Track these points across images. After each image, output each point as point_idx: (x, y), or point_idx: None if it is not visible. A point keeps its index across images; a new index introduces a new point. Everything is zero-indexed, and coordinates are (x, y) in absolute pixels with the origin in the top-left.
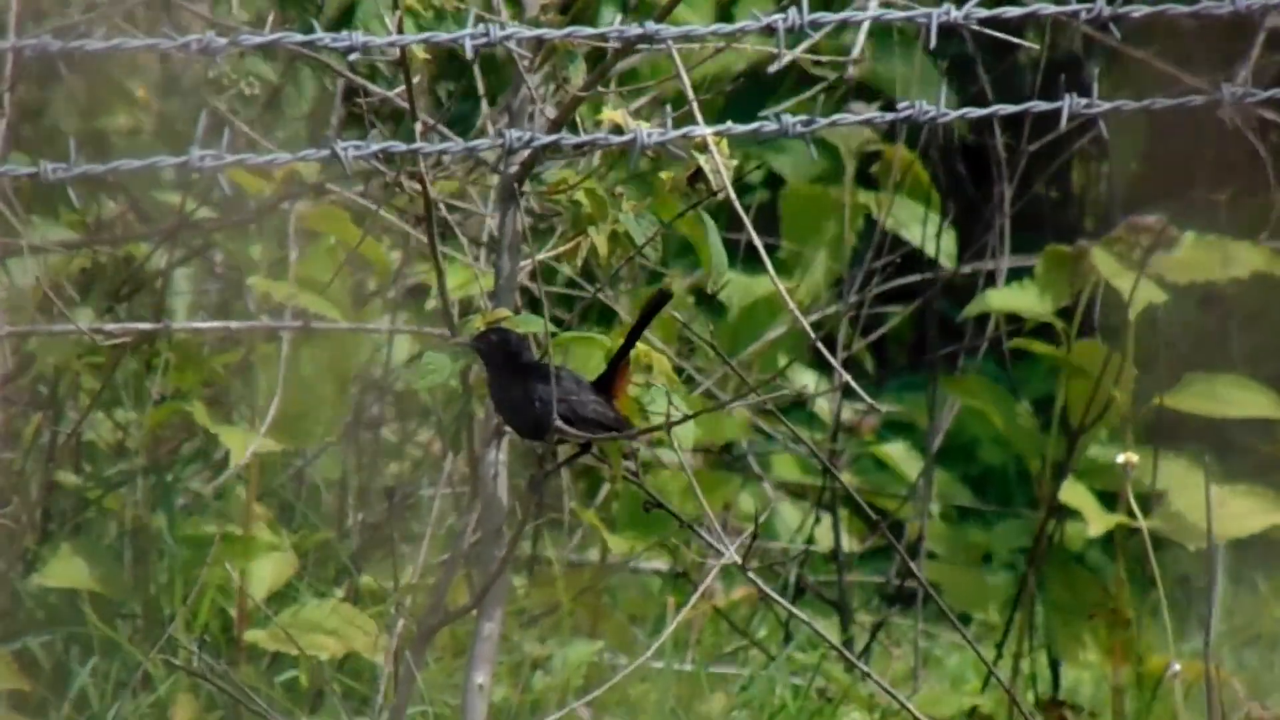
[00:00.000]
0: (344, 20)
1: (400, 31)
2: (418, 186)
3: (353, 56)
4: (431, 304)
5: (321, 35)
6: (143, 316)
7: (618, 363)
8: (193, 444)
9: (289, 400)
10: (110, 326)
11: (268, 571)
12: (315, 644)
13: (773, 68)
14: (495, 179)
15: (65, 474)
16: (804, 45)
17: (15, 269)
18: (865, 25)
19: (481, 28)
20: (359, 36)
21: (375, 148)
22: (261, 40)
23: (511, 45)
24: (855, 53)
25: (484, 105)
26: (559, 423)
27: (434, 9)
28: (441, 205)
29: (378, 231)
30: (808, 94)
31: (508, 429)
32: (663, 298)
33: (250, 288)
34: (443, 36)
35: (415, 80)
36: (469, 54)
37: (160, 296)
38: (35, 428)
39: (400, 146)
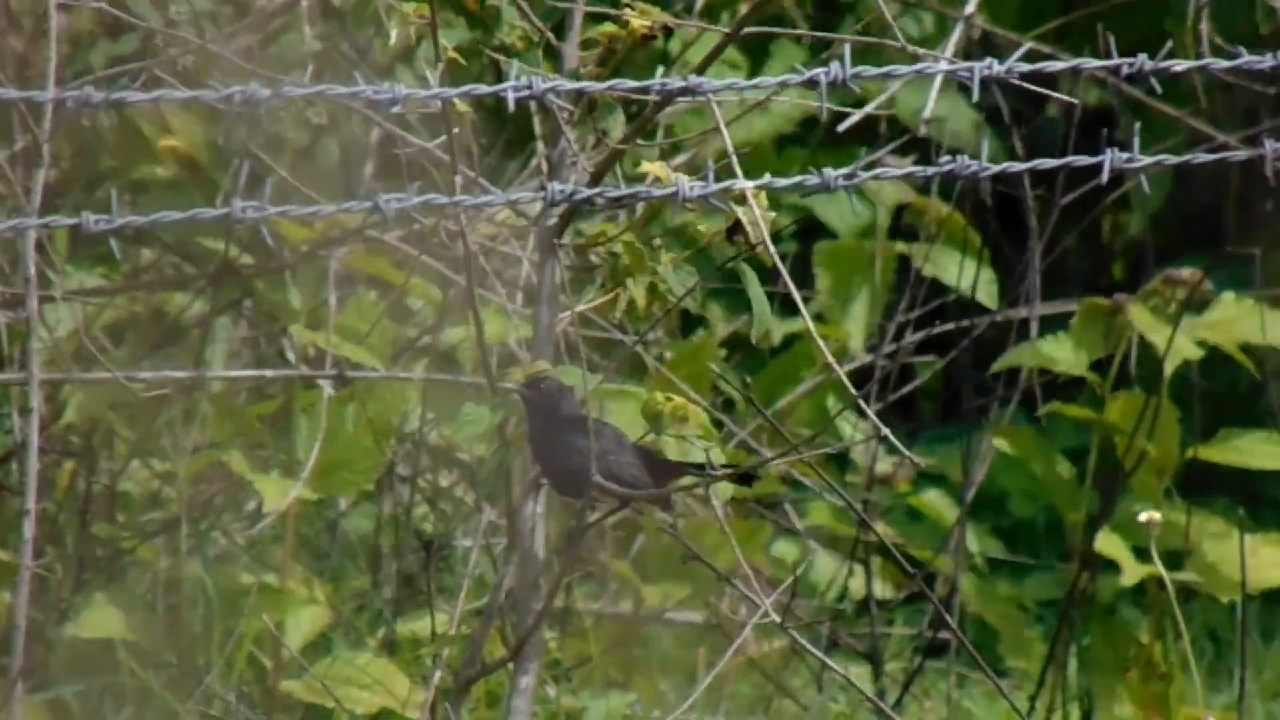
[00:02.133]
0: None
1: (443, 84)
2: (455, 234)
3: (396, 109)
4: (468, 352)
5: (364, 88)
6: (180, 367)
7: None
8: (228, 494)
9: (326, 450)
10: (146, 375)
11: (303, 622)
12: (351, 697)
13: (843, 125)
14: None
15: (100, 524)
16: (874, 103)
17: (50, 317)
18: (937, 82)
19: (524, 80)
20: (401, 89)
21: (417, 200)
22: (304, 91)
23: (551, 98)
24: (927, 112)
25: (538, 152)
26: (598, 478)
27: (478, 55)
28: (480, 256)
29: (418, 276)
30: (869, 155)
31: (544, 481)
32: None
33: (290, 336)
34: (485, 89)
35: (455, 131)
36: (510, 106)
37: (199, 345)
38: (70, 477)
39: (442, 199)
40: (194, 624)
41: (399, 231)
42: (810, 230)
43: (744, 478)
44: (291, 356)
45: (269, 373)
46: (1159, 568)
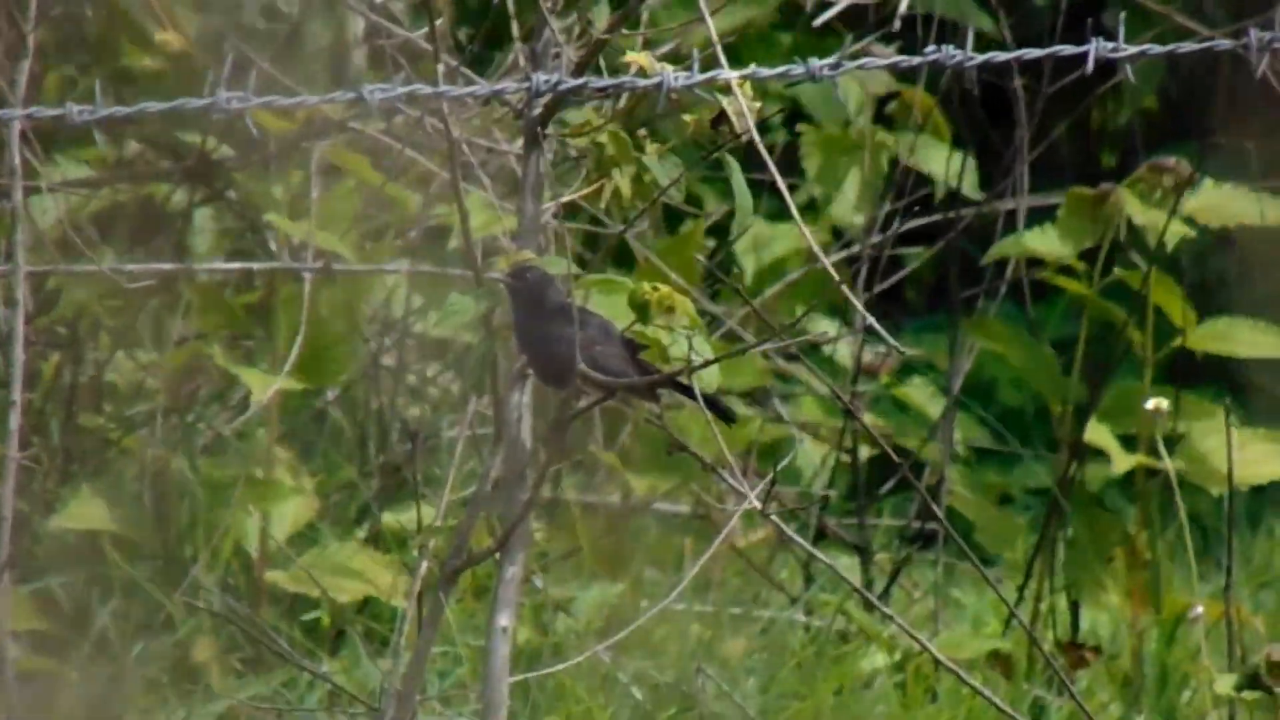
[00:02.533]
0: None
1: None
2: (440, 126)
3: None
4: (454, 244)
5: None
6: (164, 258)
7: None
8: (214, 386)
9: (309, 340)
10: (132, 267)
11: (289, 513)
12: (336, 586)
13: (819, 20)
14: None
15: (86, 415)
16: None
17: (35, 209)
18: None
19: None
20: None
21: (401, 91)
22: None
23: None
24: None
25: (515, 45)
26: (583, 367)
27: None
28: (464, 147)
29: (400, 170)
30: (853, 44)
31: (530, 371)
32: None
33: (271, 227)
34: None
35: (438, 21)
36: None
37: (181, 237)
38: (55, 368)
39: (426, 89)
40: (180, 515)
41: (382, 125)
42: (799, 120)
43: (724, 415)
44: (274, 247)
45: (253, 265)
46: (1161, 453)
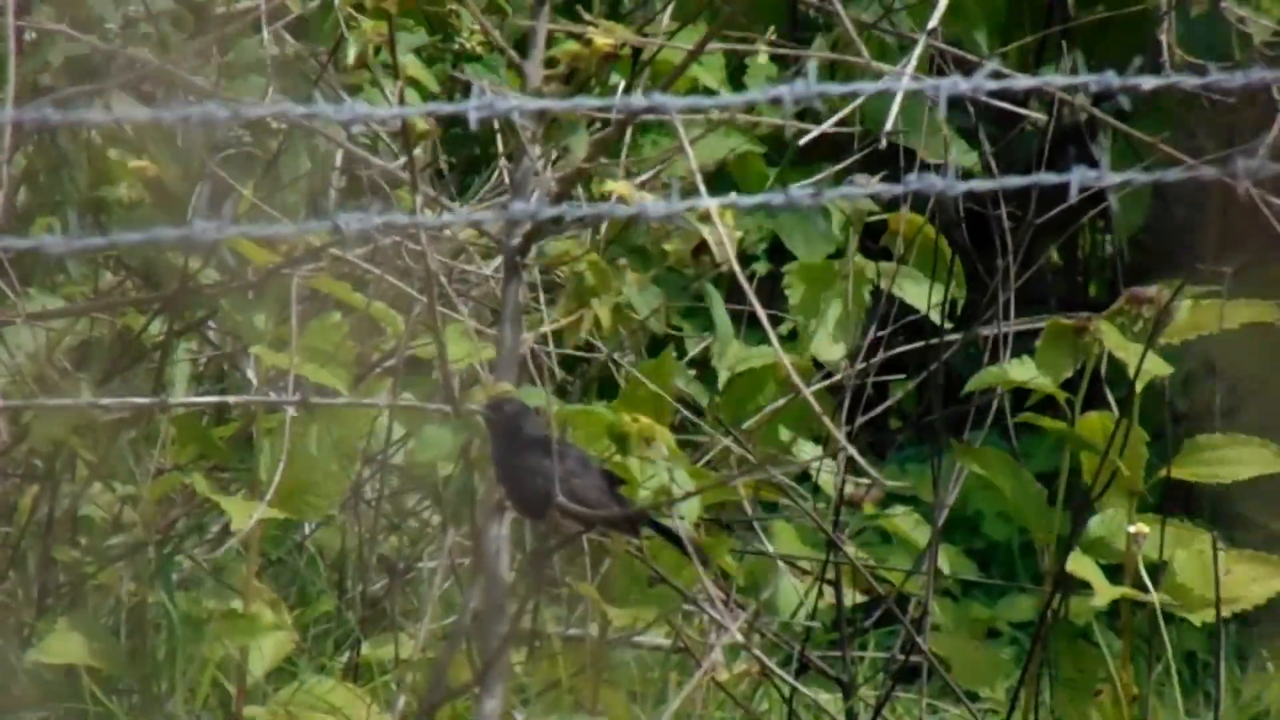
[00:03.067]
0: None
1: (402, 102)
2: (418, 252)
3: (355, 129)
4: (435, 374)
5: (323, 106)
6: (141, 389)
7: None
8: (192, 518)
9: (290, 472)
10: (107, 401)
11: (267, 648)
12: None
13: (803, 140)
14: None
15: (62, 549)
16: (835, 119)
17: (10, 341)
18: (898, 99)
19: (486, 99)
20: (361, 108)
21: (377, 220)
22: (263, 111)
23: (515, 117)
24: (888, 125)
25: (499, 163)
26: (561, 500)
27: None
28: (442, 277)
29: (383, 297)
30: (833, 169)
31: (509, 504)
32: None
33: (252, 357)
34: (446, 108)
35: (417, 151)
36: (473, 125)
37: (160, 367)
38: (31, 501)
39: (402, 218)
40: (157, 650)
41: (364, 250)
42: (784, 250)
43: (699, 553)
44: (254, 377)
45: (231, 399)
46: (1146, 583)
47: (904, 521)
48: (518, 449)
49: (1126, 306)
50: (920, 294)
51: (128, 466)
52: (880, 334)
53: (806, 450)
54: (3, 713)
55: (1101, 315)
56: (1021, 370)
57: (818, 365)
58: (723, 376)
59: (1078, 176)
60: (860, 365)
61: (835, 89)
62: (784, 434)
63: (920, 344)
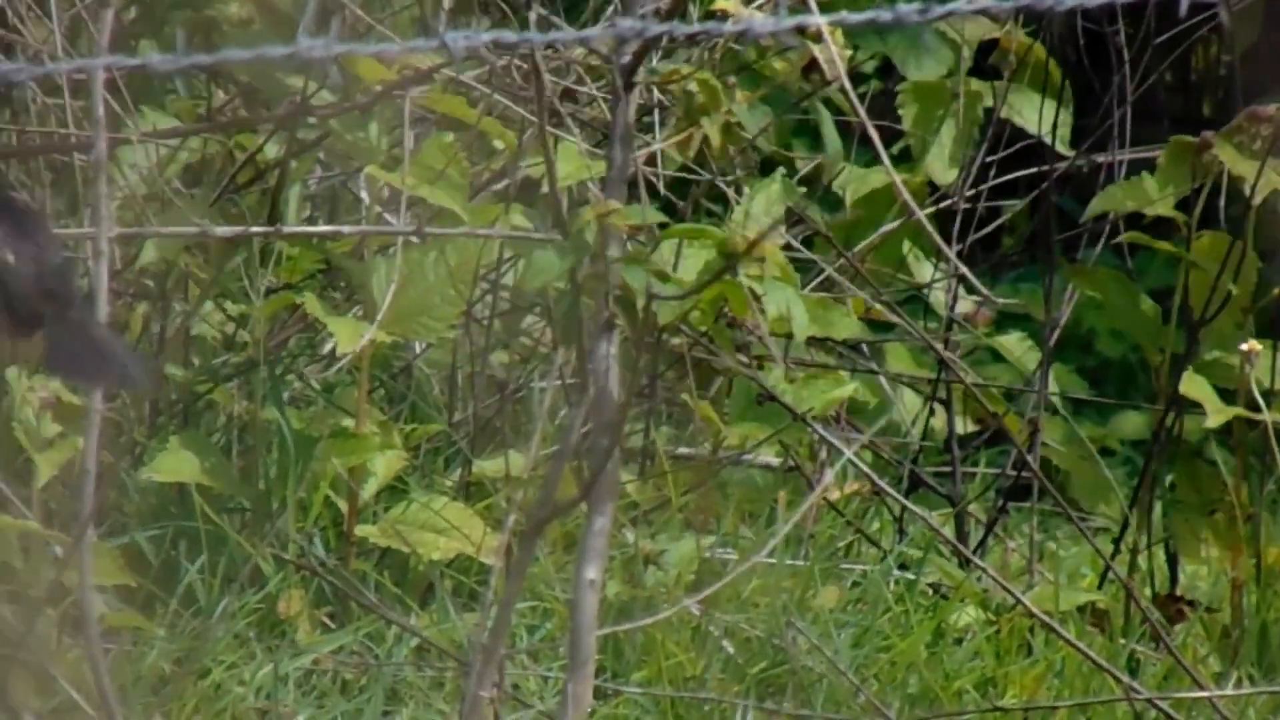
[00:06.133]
0: None
1: None
2: (528, 71)
3: None
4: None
5: None
6: (255, 208)
7: None
8: (304, 337)
9: (402, 294)
10: (219, 230)
11: (379, 467)
12: (426, 542)
13: None
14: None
15: (174, 367)
16: None
17: (123, 161)
18: None
19: None
20: None
21: (485, 37)
22: None
23: None
24: None
25: None
26: None
27: None
28: (553, 98)
29: (494, 116)
30: None
31: (618, 323)
32: None
33: (365, 177)
34: None
35: None
36: None
37: (275, 190)
38: (143, 320)
39: (510, 36)
40: (268, 469)
41: (477, 72)
42: (896, 70)
43: None
44: (366, 197)
45: (346, 229)
46: (1259, 403)
47: (1015, 342)
48: None
49: (1245, 124)
50: (1033, 114)
51: (240, 285)
52: (992, 157)
53: (922, 271)
54: (115, 531)
55: (1218, 133)
56: (1138, 189)
57: (931, 187)
58: (848, 197)
59: None
60: (973, 189)
61: None
62: (907, 251)
63: (1033, 170)
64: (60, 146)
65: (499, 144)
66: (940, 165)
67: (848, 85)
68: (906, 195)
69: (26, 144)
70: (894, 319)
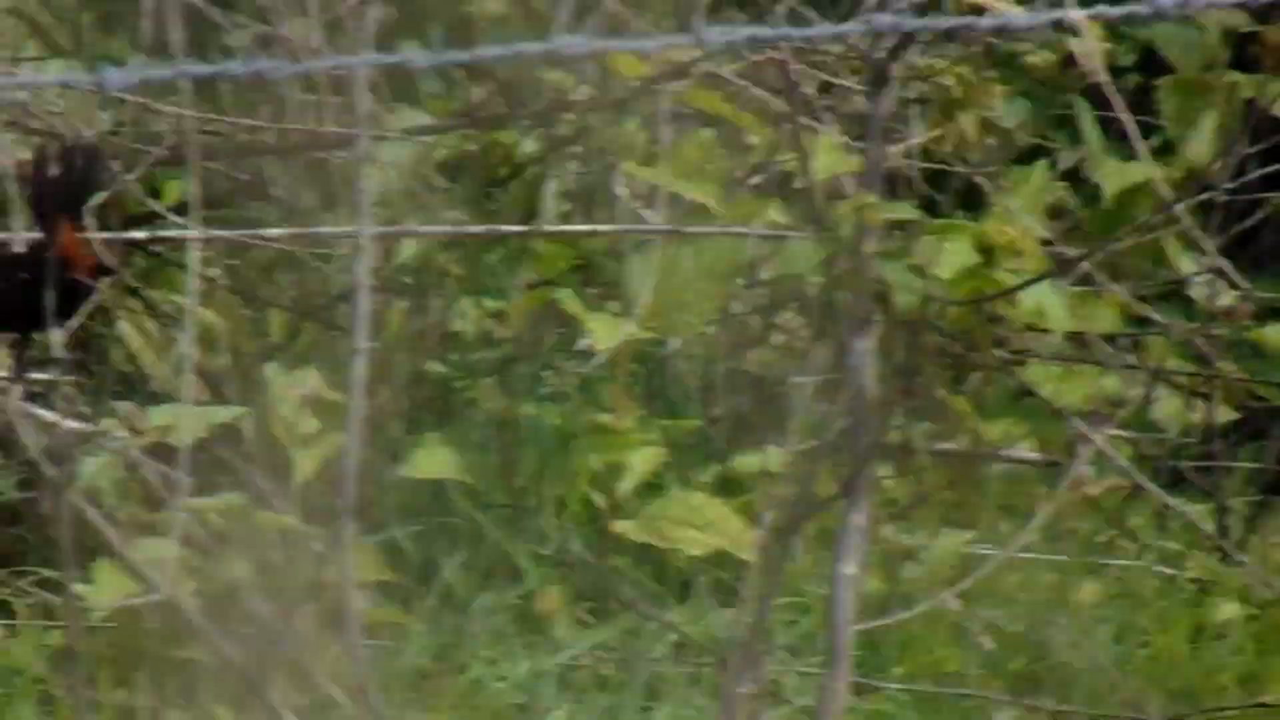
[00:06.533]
0: None
1: None
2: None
3: None
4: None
5: None
6: (512, 204)
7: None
8: (560, 332)
9: (660, 290)
10: (474, 229)
11: (637, 463)
12: (684, 538)
13: None
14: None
15: (431, 364)
16: None
17: (382, 159)
18: None
19: None
20: None
21: (742, 33)
22: None
23: None
24: None
25: None
26: None
27: None
28: (809, 92)
29: (750, 110)
30: None
31: (876, 317)
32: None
33: (622, 173)
34: None
35: None
36: None
37: (532, 186)
38: (401, 316)
39: (767, 31)
40: (526, 465)
41: (733, 68)
42: (1154, 64)
43: None
44: (622, 193)
45: (603, 227)
46: None
47: (1278, 337)
48: None
49: None
50: None
51: (497, 281)
52: (1252, 149)
53: (1183, 265)
54: (374, 527)
55: None
56: None
57: (1191, 180)
58: (1108, 190)
59: None
60: (1233, 181)
61: None
62: (1171, 247)
63: None
64: (320, 144)
65: (755, 139)
66: (1201, 153)
67: (1106, 80)
68: (1164, 189)
69: (286, 141)
70: (1153, 314)
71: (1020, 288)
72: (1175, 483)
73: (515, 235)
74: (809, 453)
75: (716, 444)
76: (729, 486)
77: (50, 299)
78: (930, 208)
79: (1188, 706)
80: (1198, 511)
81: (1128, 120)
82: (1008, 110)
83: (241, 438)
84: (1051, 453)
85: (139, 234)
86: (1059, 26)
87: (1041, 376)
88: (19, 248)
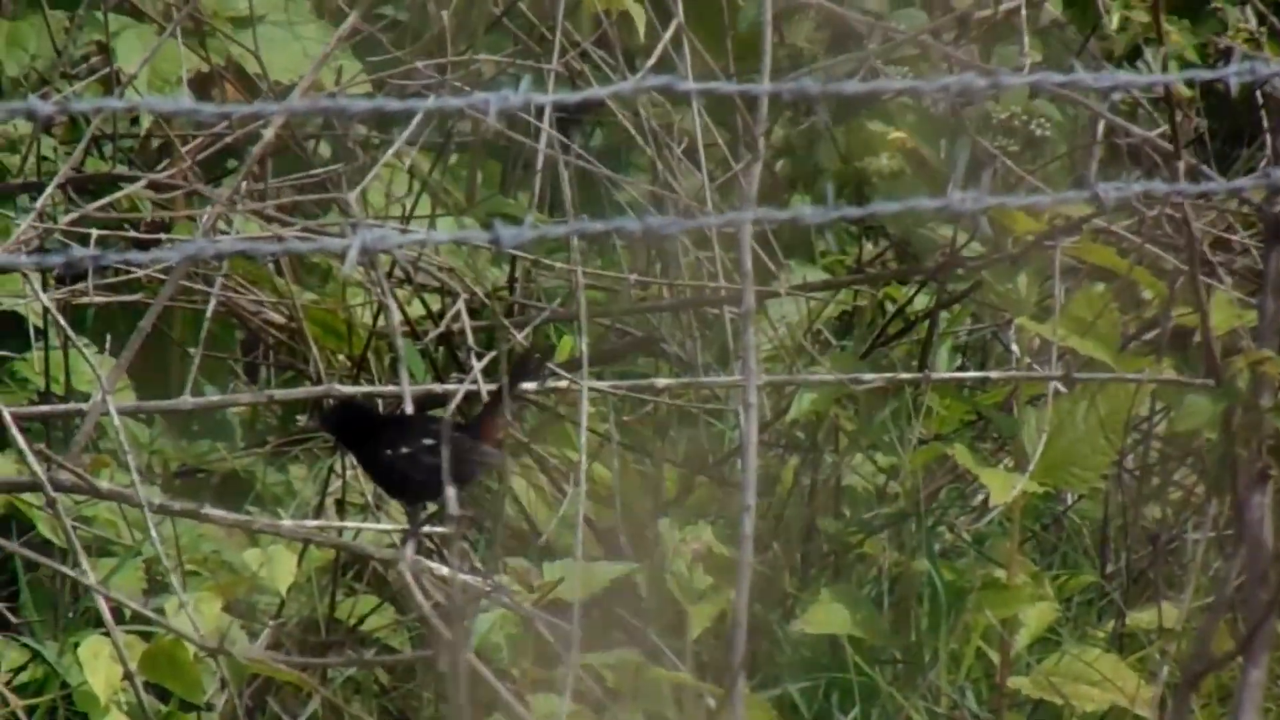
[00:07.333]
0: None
1: (1164, 69)
2: (1179, 221)
3: (1115, 95)
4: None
5: (1082, 74)
6: (904, 359)
7: (491, 409)
8: (954, 488)
9: (1054, 444)
10: (869, 377)
11: (1031, 618)
12: (1080, 694)
13: None
14: None
15: (825, 519)
16: None
17: (774, 313)
18: None
19: (1247, 65)
20: (1121, 75)
21: (1136, 188)
22: (1022, 80)
23: (1277, 83)
24: None
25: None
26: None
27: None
28: (1204, 247)
29: (1144, 267)
30: None
31: (1273, 472)
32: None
33: (1015, 329)
34: (1206, 74)
35: (1178, 119)
36: (1233, 91)
37: (926, 340)
38: (793, 472)
39: (1162, 187)
40: (920, 620)
41: (1127, 222)
42: None
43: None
44: (1015, 349)
45: (994, 374)
46: None
47: None
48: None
49: None
50: None
51: (890, 436)
52: None
53: None
54: (767, 682)
55: None
56: None
57: None
58: None
59: None
60: None
61: None
62: None
63: None
64: (710, 300)
65: (1148, 293)
66: None
67: None
68: None
69: (677, 297)
70: None
71: None
72: None
73: (908, 387)
74: (1206, 608)
75: (1112, 599)
76: (1125, 643)
77: (450, 463)
78: None
79: None
80: None
81: None
82: None
83: (634, 593)
84: None
85: (530, 386)
86: None
87: None
88: (409, 407)
